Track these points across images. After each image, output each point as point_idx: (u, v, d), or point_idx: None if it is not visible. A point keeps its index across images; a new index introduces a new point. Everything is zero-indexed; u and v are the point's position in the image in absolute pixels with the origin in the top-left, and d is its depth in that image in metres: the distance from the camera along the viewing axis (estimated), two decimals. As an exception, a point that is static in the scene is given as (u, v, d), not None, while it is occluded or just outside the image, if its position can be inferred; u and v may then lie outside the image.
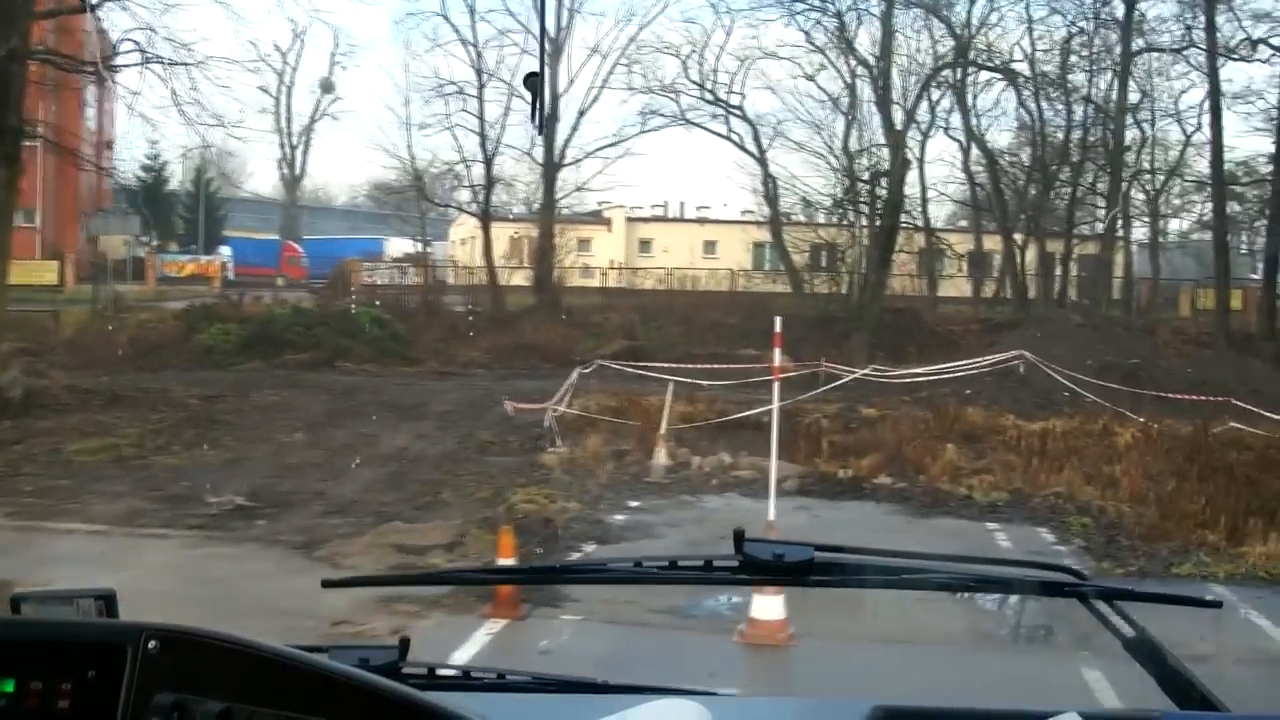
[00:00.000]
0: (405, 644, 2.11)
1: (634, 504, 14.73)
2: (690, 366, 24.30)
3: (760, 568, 2.05)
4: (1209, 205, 56.96)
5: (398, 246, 61.30)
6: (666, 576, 2.28)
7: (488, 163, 42.52)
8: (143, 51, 24.22)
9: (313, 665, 1.68)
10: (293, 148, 72.75)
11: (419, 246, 58.27)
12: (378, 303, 38.12)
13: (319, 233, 73.52)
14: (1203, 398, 20.07)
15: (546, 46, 41.74)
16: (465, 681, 2.25)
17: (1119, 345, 25.31)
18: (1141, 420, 18.55)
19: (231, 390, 24.77)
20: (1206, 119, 40.86)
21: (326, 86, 68.59)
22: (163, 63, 24.17)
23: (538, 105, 3.71)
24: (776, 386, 11.74)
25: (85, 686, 1.67)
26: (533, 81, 3.58)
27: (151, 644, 1.68)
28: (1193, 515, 12.96)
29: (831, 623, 8.97)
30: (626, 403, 20.06)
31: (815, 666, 8.70)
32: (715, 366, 25.63)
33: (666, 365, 23.19)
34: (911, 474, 16.17)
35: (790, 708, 2.56)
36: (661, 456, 16.43)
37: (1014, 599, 9.44)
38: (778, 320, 11.98)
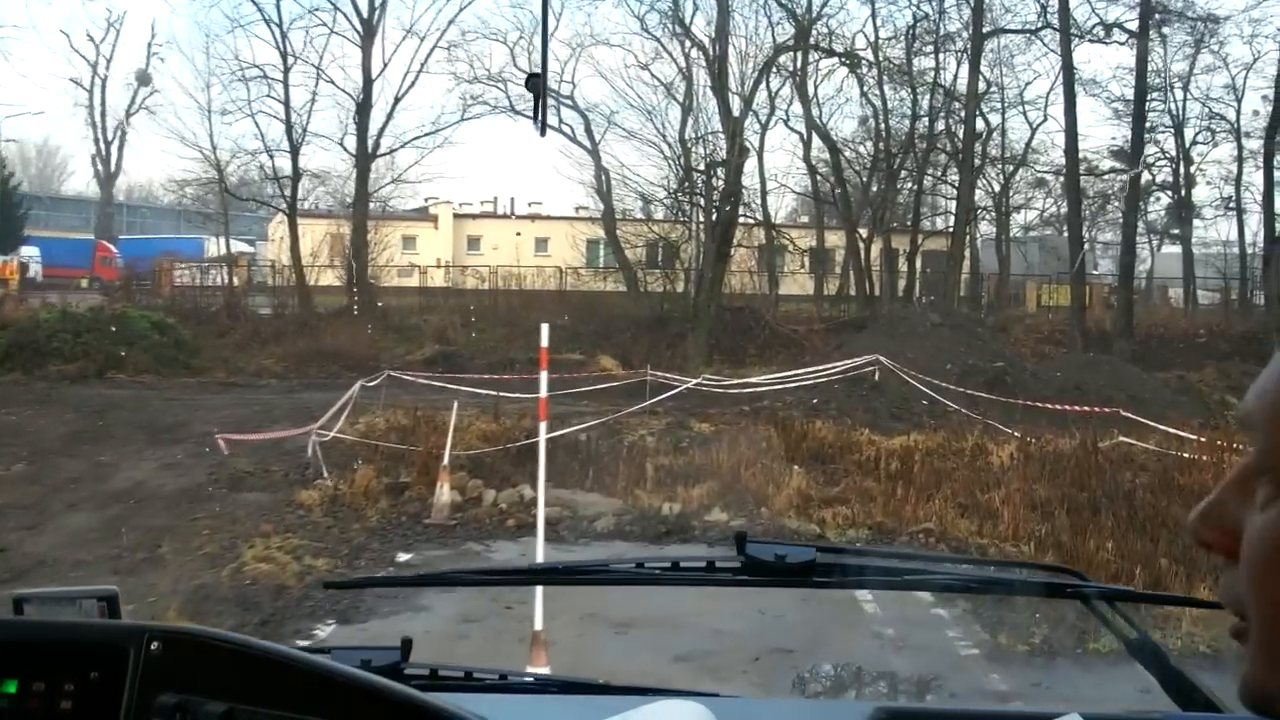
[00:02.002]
0: (407, 645, 2.08)
1: (404, 558, 11.61)
2: (501, 378, 21.26)
3: (763, 568, 2.05)
4: (1049, 200, 56.62)
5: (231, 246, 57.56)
6: (669, 578, 2.29)
7: (294, 152, 39.03)
8: None
9: (315, 666, 1.65)
10: (107, 143, 68.59)
11: (242, 245, 54.95)
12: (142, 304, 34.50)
13: (146, 233, 69.74)
14: (1084, 409, 17.59)
15: (361, 29, 38.71)
16: (467, 682, 2.16)
17: (980, 347, 22.80)
18: (1016, 435, 15.98)
19: (-34, 409, 21.07)
20: (1053, 109, 39.78)
21: (143, 79, 64.40)
22: None
23: (540, 107, 3.60)
24: (544, 426, 8.86)
25: (88, 687, 1.67)
26: (535, 83, 3.50)
27: (154, 645, 1.67)
28: (1102, 565, 10.32)
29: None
30: (419, 421, 16.87)
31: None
32: (534, 377, 22.73)
33: (469, 376, 20.21)
34: (752, 506, 13.31)
35: (795, 708, 2.70)
36: (446, 492, 13.23)
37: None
38: (544, 329, 9.01)
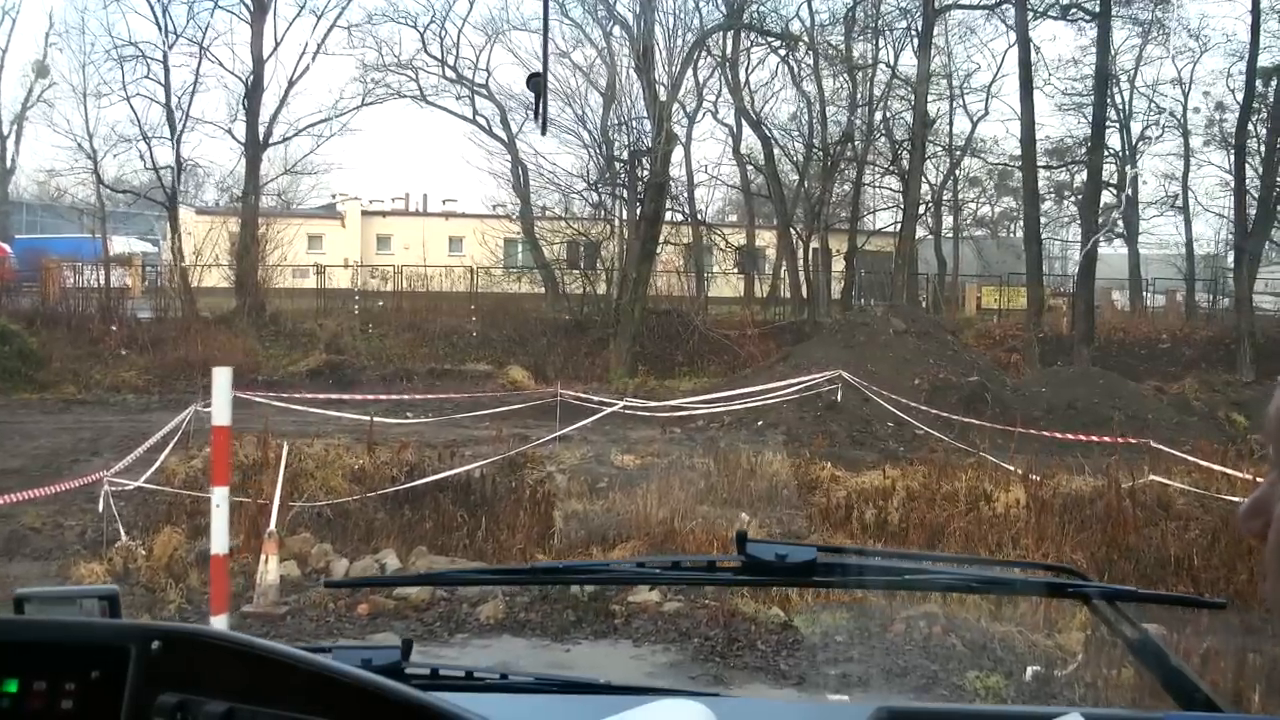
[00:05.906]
0: (408, 645, 2.07)
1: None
2: (383, 398, 17.84)
3: (763, 568, 2.01)
4: (983, 199, 54.38)
5: (130, 245, 53.82)
6: (669, 577, 2.42)
7: (176, 138, 35.29)
8: None
9: (316, 666, 1.62)
10: (3, 138, 64.53)
11: (145, 245, 51.51)
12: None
13: (52, 232, 65.96)
14: (1101, 437, 14.40)
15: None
16: (468, 682, 2.12)
17: (952, 358, 19.53)
18: (1018, 471, 12.73)
19: None
20: (995, 103, 37.53)
21: (40, 71, 60.46)
22: None
23: (541, 106, 3.54)
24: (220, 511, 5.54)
25: (89, 687, 1.64)
26: (535, 82, 3.46)
27: (155, 644, 1.65)
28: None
29: None
30: (270, 456, 13.33)
31: None
32: (431, 395, 19.46)
33: (340, 397, 16.73)
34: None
35: (794, 708, 2.64)
36: (273, 568, 9.58)
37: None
38: (220, 379, 5.57)
